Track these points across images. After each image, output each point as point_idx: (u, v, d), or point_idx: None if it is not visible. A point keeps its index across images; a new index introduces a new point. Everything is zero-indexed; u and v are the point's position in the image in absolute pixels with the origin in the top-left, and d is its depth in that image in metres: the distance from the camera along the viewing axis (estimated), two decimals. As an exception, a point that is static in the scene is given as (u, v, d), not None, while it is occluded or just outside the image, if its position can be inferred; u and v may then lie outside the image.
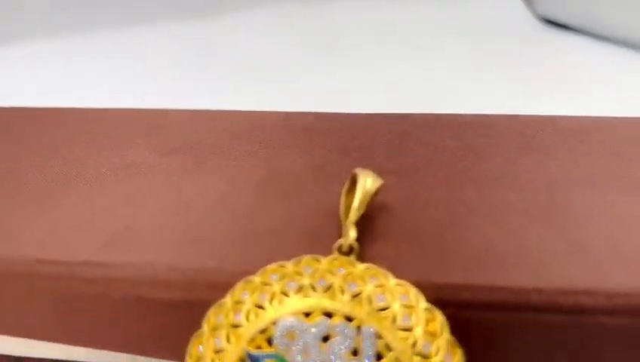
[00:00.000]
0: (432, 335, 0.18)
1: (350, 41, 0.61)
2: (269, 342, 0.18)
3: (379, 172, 0.22)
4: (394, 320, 0.18)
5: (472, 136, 0.29)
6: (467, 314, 0.19)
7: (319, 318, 0.18)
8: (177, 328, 0.21)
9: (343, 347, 0.18)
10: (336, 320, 0.18)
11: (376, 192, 0.22)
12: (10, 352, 0.24)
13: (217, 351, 0.19)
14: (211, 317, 0.19)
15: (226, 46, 0.61)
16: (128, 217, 0.23)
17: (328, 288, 0.19)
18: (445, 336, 0.18)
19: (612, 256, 0.20)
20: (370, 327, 0.18)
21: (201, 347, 0.19)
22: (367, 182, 0.22)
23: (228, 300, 0.20)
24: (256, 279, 0.20)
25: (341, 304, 0.18)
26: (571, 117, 0.30)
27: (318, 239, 0.22)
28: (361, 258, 0.20)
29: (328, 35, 0.62)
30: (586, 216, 0.22)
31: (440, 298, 0.19)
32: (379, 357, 0.18)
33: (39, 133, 0.30)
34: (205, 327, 0.19)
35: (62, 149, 0.29)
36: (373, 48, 0.60)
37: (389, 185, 0.23)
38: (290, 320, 0.18)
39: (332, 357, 0.18)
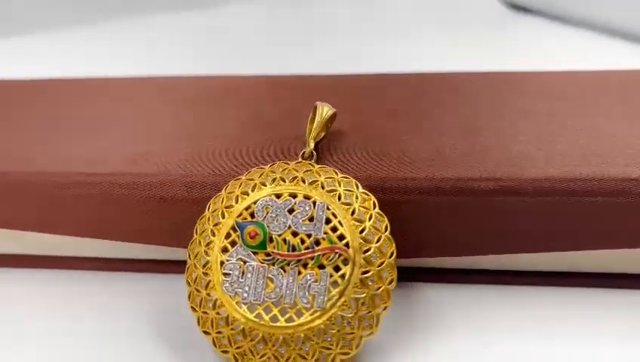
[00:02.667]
0: (366, 209, 0.26)
1: (331, 29, 0.69)
2: (252, 215, 0.26)
3: (339, 110, 0.30)
4: (339, 197, 0.26)
5: (423, 87, 0.37)
6: (393, 197, 0.27)
7: (287, 198, 0.26)
8: (189, 220, 0.28)
9: (303, 215, 0.26)
10: (299, 199, 0.26)
11: (332, 118, 0.30)
12: (58, 252, 0.32)
13: (215, 225, 0.26)
14: (211, 204, 0.27)
15: (221, 31, 0.69)
16: (148, 145, 0.32)
17: (293, 179, 0.27)
18: (375, 210, 0.26)
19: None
20: (322, 202, 0.26)
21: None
22: (324, 110, 0.30)
23: (223, 192, 0.27)
24: (243, 177, 0.27)
25: (302, 188, 0.26)
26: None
27: (289, 154, 0.30)
28: (319, 162, 0.28)
29: (311, 23, 0.71)
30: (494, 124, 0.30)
31: (374, 186, 0.27)
32: (328, 221, 0.25)
33: (79, 95, 0.39)
34: (207, 211, 0.27)
35: (96, 102, 0.38)
36: (349, 35, 0.68)
37: (345, 118, 0.31)
38: (266, 199, 0.26)
39: (295, 221, 0.25)
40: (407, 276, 0.29)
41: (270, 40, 0.69)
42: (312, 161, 0.28)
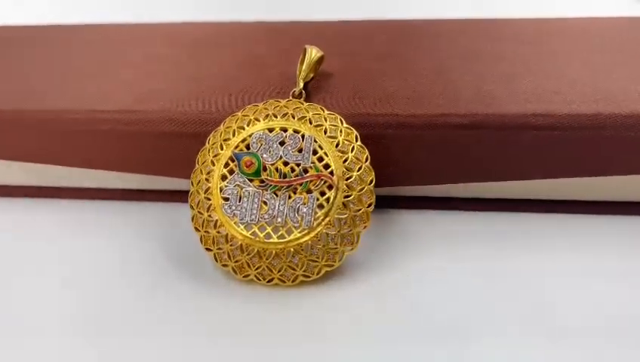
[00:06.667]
0: (349, 142, 0.29)
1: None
2: (247, 147, 0.29)
3: (327, 54, 0.33)
4: (325, 131, 0.29)
5: (404, 33, 0.40)
6: (373, 131, 0.30)
7: (278, 132, 0.29)
8: (189, 153, 0.31)
9: (292, 147, 0.29)
10: (289, 133, 0.29)
11: (320, 61, 0.33)
12: (60, 183, 0.36)
13: (214, 156, 0.30)
14: (211, 138, 0.30)
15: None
16: (151, 84, 0.34)
17: (284, 115, 0.30)
18: (357, 143, 0.29)
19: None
20: (310, 136, 0.29)
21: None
22: (312, 52, 0.33)
23: (221, 127, 0.30)
24: (239, 113, 0.31)
25: (292, 123, 0.29)
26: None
27: (281, 93, 0.33)
28: (307, 101, 0.31)
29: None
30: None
31: (356, 122, 0.30)
32: (315, 152, 0.29)
33: (86, 40, 0.42)
34: (207, 144, 0.30)
35: (102, 47, 0.40)
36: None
37: (332, 61, 0.34)
38: (260, 133, 0.29)
39: (286, 152, 0.29)
40: (386, 203, 0.33)
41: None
42: (302, 99, 0.31)
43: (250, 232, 0.28)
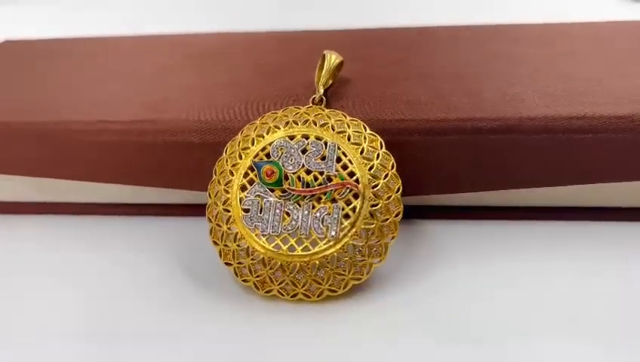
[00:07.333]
0: (373, 148, 0.28)
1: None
2: (267, 156, 0.28)
3: (345, 60, 0.32)
4: (349, 138, 0.28)
5: (423, 39, 0.39)
6: (397, 138, 0.29)
7: (300, 139, 0.28)
8: (207, 164, 0.30)
9: (315, 155, 0.28)
10: (311, 140, 0.28)
11: (339, 66, 0.32)
12: (75, 199, 0.34)
13: (233, 165, 0.28)
14: (228, 147, 0.29)
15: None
16: (164, 93, 0.33)
17: (305, 122, 0.28)
18: (382, 150, 0.28)
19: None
20: (333, 143, 0.28)
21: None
22: (332, 58, 0.31)
23: (239, 136, 0.29)
24: (257, 121, 0.29)
25: (314, 130, 0.28)
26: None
27: (297, 100, 0.31)
28: (328, 107, 0.30)
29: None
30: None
31: (380, 128, 0.29)
32: (338, 160, 0.27)
33: (97, 52, 0.42)
34: (224, 153, 0.29)
35: (113, 58, 0.39)
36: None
37: (350, 67, 0.33)
38: (281, 141, 0.28)
39: (308, 160, 0.27)
40: (412, 213, 0.31)
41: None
42: (322, 105, 0.30)
43: (272, 245, 0.27)
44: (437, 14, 0.54)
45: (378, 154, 0.28)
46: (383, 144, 0.28)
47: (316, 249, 0.26)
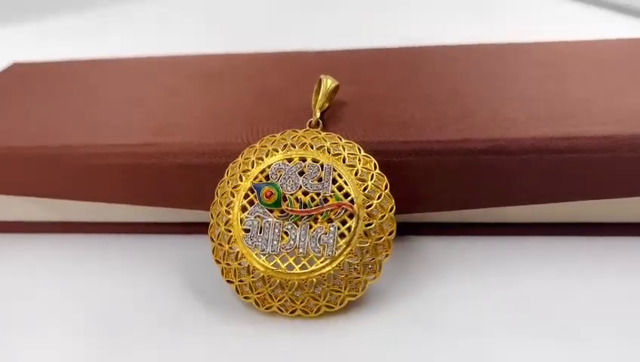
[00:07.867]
0: (367, 170, 0.29)
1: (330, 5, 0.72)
2: (267, 178, 0.29)
3: (340, 82, 0.34)
4: (344, 160, 0.29)
5: (417, 60, 0.40)
6: (391, 159, 0.30)
7: (297, 162, 0.29)
8: (208, 185, 0.31)
9: (311, 176, 0.29)
10: (308, 162, 0.29)
11: (335, 90, 0.33)
12: (83, 218, 0.36)
13: (234, 187, 0.30)
14: (229, 169, 0.30)
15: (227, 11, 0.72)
16: (167, 117, 0.35)
17: (303, 145, 0.30)
18: (376, 170, 0.29)
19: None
20: (328, 165, 0.29)
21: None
22: (328, 83, 0.33)
23: (239, 158, 0.31)
24: (257, 145, 0.31)
25: (311, 153, 0.29)
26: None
27: (296, 123, 0.33)
28: (324, 130, 0.31)
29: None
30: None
31: (375, 150, 0.30)
32: (334, 181, 0.29)
33: (99, 74, 0.43)
34: (226, 176, 0.30)
35: (116, 81, 0.41)
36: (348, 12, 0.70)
37: (346, 90, 0.35)
38: (279, 163, 0.29)
39: (305, 182, 0.29)
40: (405, 230, 0.32)
41: (275, 19, 0.72)
42: (319, 128, 0.31)
43: (271, 263, 0.28)
44: (430, 35, 0.56)
45: (372, 175, 0.29)
46: (377, 165, 0.29)
47: (313, 267, 0.27)
